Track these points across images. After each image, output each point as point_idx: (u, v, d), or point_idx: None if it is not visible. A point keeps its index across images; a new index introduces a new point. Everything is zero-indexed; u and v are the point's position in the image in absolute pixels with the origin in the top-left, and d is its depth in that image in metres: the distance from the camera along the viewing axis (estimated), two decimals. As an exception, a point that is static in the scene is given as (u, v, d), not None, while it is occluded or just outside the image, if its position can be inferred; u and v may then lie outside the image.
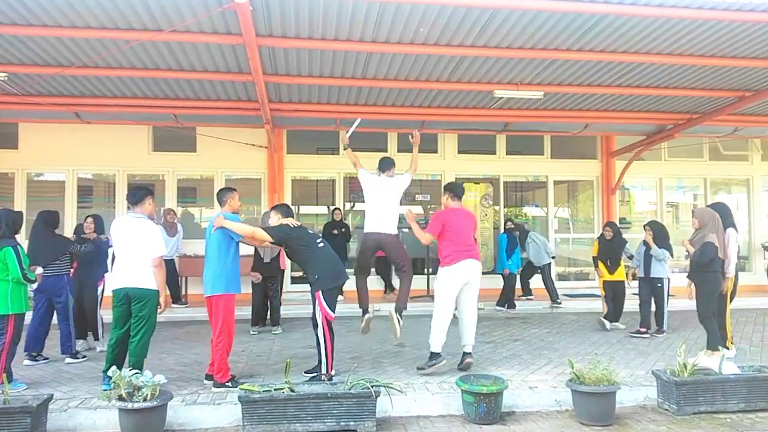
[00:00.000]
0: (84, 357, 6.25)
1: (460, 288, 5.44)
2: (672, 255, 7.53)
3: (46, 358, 6.12)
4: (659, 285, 7.49)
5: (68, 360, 6.13)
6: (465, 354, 5.57)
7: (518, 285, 9.73)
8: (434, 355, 5.39)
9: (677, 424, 4.45)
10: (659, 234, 7.51)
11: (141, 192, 5.05)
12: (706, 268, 5.79)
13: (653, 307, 7.56)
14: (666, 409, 4.74)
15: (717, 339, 5.77)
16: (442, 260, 5.46)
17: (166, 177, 10.31)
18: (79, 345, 6.64)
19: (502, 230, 10.04)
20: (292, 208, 10.43)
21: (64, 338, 6.22)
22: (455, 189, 5.76)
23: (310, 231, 5.36)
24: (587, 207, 11.91)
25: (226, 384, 4.99)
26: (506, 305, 9.47)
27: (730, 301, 6.20)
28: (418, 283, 10.47)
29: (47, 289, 6.03)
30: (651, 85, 7.78)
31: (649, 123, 9.64)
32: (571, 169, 11.67)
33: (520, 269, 9.72)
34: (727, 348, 6.02)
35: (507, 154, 11.35)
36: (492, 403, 4.42)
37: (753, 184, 12.02)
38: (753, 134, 10.64)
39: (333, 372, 5.09)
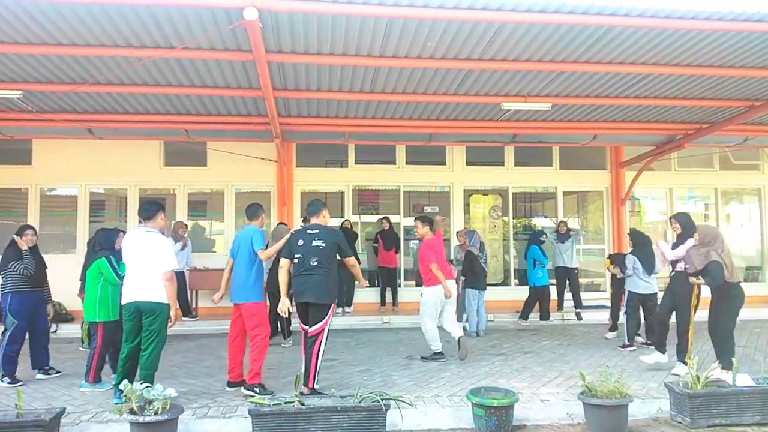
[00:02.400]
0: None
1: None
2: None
3: (58, 372, 6.17)
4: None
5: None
6: (461, 338, 6.56)
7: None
8: (441, 354, 6.63)
9: (691, 438, 4.40)
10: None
11: (153, 207, 5.13)
12: (725, 286, 5.62)
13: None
14: (679, 422, 4.68)
15: (730, 360, 5.46)
16: (433, 281, 6.50)
17: (176, 191, 10.41)
18: None
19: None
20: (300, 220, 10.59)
21: None
22: (431, 221, 6.81)
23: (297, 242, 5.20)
24: (597, 218, 11.85)
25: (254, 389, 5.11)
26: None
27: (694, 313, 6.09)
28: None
29: None
30: (659, 96, 7.77)
31: (658, 133, 9.61)
32: (581, 180, 11.63)
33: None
34: (685, 363, 5.72)
35: (515, 165, 11.34)
36: (503, 416, 4.39)
37: (765, 194, 11.91)
38: (763, 144, 10.56)
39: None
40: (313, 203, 5.50)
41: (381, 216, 10.64)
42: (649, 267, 7.17)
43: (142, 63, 6.01)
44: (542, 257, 9.35)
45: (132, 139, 9.19)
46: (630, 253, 7.37)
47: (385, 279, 10.32)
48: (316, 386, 5.03)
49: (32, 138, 9.72)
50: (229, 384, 5.39)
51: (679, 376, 5.67)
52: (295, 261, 5.11)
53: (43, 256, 9.81)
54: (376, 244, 10.32)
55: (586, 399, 4.46)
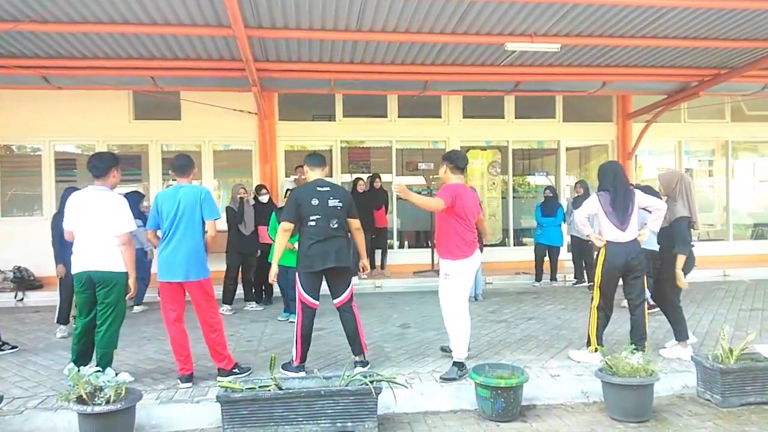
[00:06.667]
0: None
1: None
2: None
3: (13, 347, 5.53)
4: None
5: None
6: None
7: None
8: (462, 365, 4.47)
9: (724, 419, 3.87)
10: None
11: (105, 164, 4.36)
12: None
13: None
14: (708, 400, 4.17)
15: (685, 330, 4.97)
16: (453, 252, 4.43)
17: (149, 147, 9.59)
18: (65, 330, 6.08)
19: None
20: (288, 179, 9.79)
21: None
22: (457, 160, 4.61)
23: (311, 202, 4.60)
24: (601, 174, 11.17)
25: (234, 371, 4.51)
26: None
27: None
28: (422, 256, 9.90)
29: None
30: (678, 36, 6.99)
31: (672, 80, 8.85)
32: (585, 133, 10.89)
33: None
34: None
35: (516, 118, 10.57)
36: (511, 397, 3.84)
37: (780, 147, 11.30)
38: (784, 91, 9.82)
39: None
40: (316, 155, 4.76)
41: (370, 174, 9.85)
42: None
43: (90, -6, 5.15)
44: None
45: (94, 88, 8.29)
46: None
47: (373, 240, 9.59)
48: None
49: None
50: (184, 379, 4.40)
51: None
52: (311, 223, 4.43)
53: (8, 218, 9.30)
54: None
55: (606, 377, 3.91)
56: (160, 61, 7.27)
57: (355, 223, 4.65)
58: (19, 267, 8.71)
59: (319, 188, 4.50)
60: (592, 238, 4.83)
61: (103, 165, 4.35)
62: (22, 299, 8.22)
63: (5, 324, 6.63)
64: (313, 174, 4.64)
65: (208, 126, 9.36)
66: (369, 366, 4.61)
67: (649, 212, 4.74)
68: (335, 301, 4.63)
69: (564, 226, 8.94)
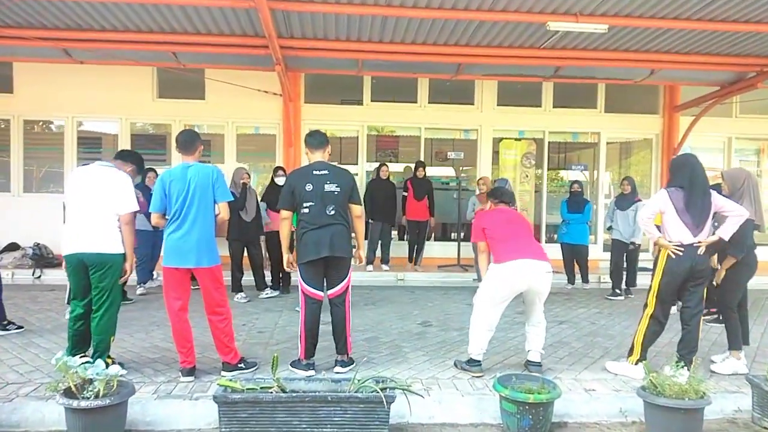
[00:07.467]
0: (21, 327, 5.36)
1: (513, 294, 4.38)
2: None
3: (19, 327, 5.35)
4: None
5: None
6: (528, 363, 4.44)
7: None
8: (472, 362, 4.35)
9: (787, 452, 3.38)
10: None
11: (129, 158, 4.45)
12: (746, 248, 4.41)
13: None
14: (766, 428, 3.67)
15: (739, 340, 4.52)
16: (495, 257, 4.41)
17: (172, 126, 9.36)
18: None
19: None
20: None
21: None
22: (501, 196, 4.71)
23: (305, 187, 4.26)
24: (644, 169, 10.48)
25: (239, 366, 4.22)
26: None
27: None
28: (447, 250, 9.48)
29: None
30: (738, 20, 6.37)
31: (727, 69, 8.16)
32: (628, 125, 10.18)
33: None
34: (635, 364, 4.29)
35: (554, 107, 9.96)
36: (540, 414, 3.42)
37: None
38: None
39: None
40: (316, 134, 4.34)
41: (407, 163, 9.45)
42: None
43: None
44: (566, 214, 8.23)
45: (116, 63, 8.08)
46: None
47: (413, 235, 9.05)
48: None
49: (3, 60, 8.61)
50: (185, 372, 4.11)
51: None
52: (305, 210, 4.11)
53: (28, 195, 9.22)
54: (405, 193, 9.00)
55: (649, 397, 3.45)
56: (182, 36, 6.99)
57: (356, 210, 4.27)
58: (39, 244, 8.62)
59: (315, 172, 4.14)
60: (661, 243, 4.25)
61: (127, 157, 4.38)
62: (39, 277, 8.12)
63: (19, 302, 6.53)
64: (313, 156, 4.25)
65: (232, 106, 9.09)
66: (354, 365, 4.28)
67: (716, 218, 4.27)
68: (329, 292, 4.28)
69: (598, 225, 8.37)
